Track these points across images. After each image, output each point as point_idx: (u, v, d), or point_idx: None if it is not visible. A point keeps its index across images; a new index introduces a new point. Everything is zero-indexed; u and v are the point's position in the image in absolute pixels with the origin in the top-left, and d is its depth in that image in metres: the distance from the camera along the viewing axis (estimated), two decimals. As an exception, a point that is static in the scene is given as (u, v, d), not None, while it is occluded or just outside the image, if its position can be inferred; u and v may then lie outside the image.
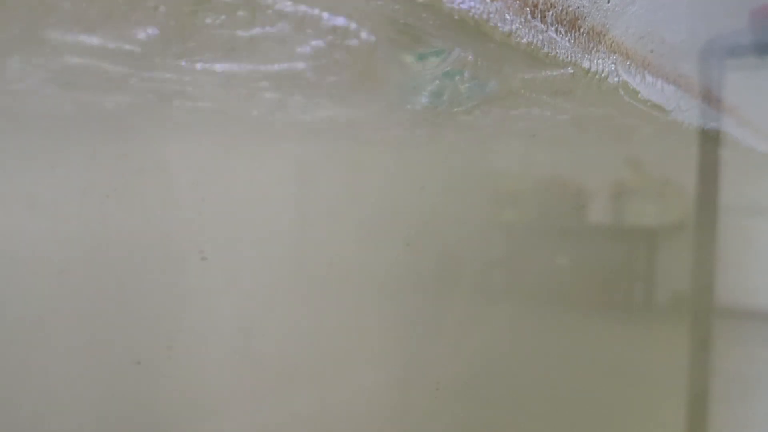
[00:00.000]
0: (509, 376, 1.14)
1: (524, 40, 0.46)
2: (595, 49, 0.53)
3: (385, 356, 1.03)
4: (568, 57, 0.51)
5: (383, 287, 1.01)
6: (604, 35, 0.53)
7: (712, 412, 1.23)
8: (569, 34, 0.48)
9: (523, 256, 1.21)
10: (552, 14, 0.46)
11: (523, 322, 1.16)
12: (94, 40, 0.47)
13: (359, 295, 0.99)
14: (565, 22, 0.48)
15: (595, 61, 0.54)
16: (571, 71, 0.55)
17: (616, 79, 0.58)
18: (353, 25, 0.46)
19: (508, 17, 0.43)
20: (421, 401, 1.04)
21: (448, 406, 1.07)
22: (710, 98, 0.89)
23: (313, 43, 0.50)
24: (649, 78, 0.64)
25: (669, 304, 1.31)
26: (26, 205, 0.66)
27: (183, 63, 0.53)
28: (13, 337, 0.70)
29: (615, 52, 0.57)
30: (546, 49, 0.48)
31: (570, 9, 0.48)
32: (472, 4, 0.40)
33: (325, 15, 0.44)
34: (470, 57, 0.53)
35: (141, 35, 0.47)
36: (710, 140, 1.05)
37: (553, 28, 0.47)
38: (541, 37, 0.47)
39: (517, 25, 0.44)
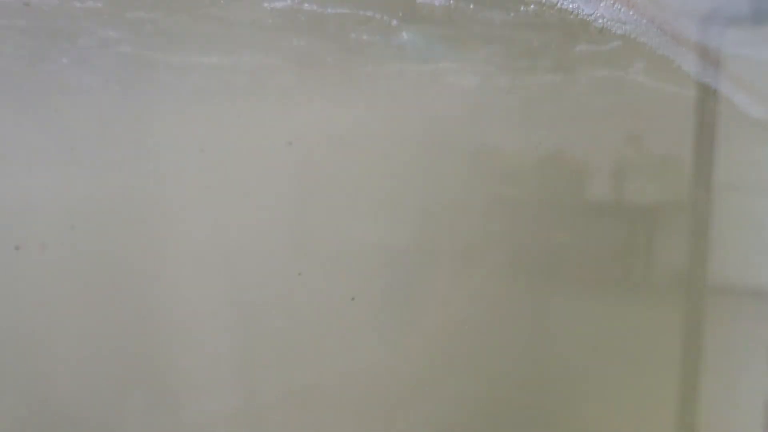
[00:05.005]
0: (504, 352, 1.14)
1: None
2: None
3: (383, 333, 1.02)
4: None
5: (380, 264, 1.01)
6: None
7: (704, 388, 1.24)
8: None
9: (519, 234, 1.21)
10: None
11: (518, 299, 1.16)
12: None
13: (357, 272, 0.98)
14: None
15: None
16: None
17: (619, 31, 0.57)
18: None
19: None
20: (417, 378, 1.04)
21: (445, 382, 1.07)
22: (708, 62, 0.88)
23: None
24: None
25: (663, 281, 1.31)
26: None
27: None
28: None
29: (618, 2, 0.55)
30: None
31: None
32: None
33: None
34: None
35: None
36: (707, 110, 1.04)
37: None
38: None
39: None
